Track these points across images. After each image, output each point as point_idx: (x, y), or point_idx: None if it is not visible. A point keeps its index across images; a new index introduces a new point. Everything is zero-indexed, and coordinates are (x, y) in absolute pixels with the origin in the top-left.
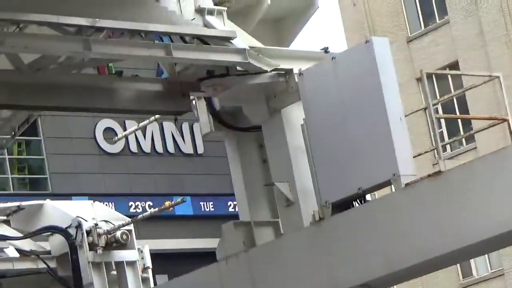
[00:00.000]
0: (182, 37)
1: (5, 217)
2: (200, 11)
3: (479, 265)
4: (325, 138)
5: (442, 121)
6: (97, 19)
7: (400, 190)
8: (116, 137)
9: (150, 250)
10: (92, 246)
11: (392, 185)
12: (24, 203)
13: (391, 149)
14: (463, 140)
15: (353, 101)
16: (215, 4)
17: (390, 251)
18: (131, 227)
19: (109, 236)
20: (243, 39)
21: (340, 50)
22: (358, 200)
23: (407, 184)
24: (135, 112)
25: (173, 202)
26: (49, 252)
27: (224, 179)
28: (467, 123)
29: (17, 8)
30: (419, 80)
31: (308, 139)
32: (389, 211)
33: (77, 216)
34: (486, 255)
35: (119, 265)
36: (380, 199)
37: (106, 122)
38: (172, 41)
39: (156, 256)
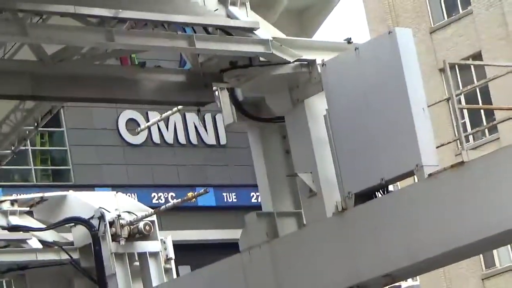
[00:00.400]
0: (205, 28)
1: (28, 208)
2: (223, 1)
3: (502, 256)
4: (348, 128)
5: (465, 111)
6: (120, 10)
7: (423, 181)
8: (138, 128)
9: (172, 241)
10: (115, 237)
11: (415, 176)
12: (47, 194)
13: (414, 139)
14: (486, 130)
15: (376, 92)
16: None
17: (413, 241)
18: (154, 218)
19: (132, 227)
20: (266, 30)
21: (363, 41)
22: (381, 190)
23: (430, 175)
24: (158, 103)
25: (196, 193)
26: (72, 243)
27: (247, 170)
28: (490, 114)
29: None
30: (442, 70)
31: (331, 130)
32: (412, 202)
33: (100, 207)
34: (509, 246)
35: (142, 256)
36: (403, 190)
37: (128, 113)
38: (195, 32)
39: (179, 247)
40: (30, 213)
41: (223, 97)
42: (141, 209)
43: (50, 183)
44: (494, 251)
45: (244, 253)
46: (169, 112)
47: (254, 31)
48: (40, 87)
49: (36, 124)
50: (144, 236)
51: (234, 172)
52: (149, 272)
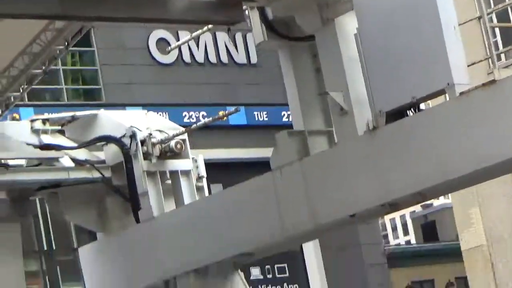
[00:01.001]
0: None
1: (60, 127)
2: None
3: None
4: (378, 47)
5: (497, 30)
6: None
7: (454, 99)
8: (169, 47)
9: (204, 159)
10: (146, 156)
11: (446, 94)
12: (78, 113)
13: (445, 58)
14: None
15: (406, 10)
16: None
17: (444, 160)
18: (185, 136)
19: (163, 145)
20: None
21: None
22: (412, 109)
23: (461, 93)
24: (188, 23)
25: (226, 112)
26: (103, 162)
27: (278, 89)
28: None
29: None
30: None
31: (362, 48)
32: (443, 120)
33: (131, 126)
34: None
35: (174, 174)
36: (434, 108)
37: (159, 33)
38: None
39: (210, 165)
40: (61, 132)
41: (253, 16)
42: (173, 128)
43: (81, 102)
44: None
45: (276, 172)
46: (199, 31)
47: None
48: (69, 6)
49: (66, 44)
50: (176, 154)
51: (265, 91)
52: (181, 190)
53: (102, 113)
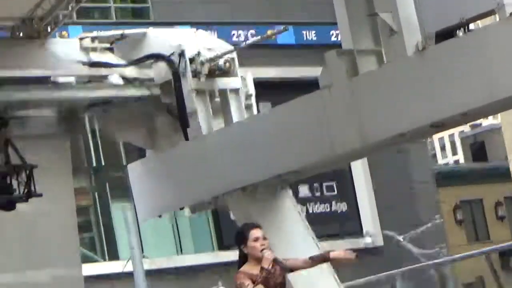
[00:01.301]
0: None
1: (108, 45)
2: None
3: None
4: None
5: None
6: None
7: (504, 20)
8: None
9: (253, 78)
10: (195, 74)
11: (496, 14)
12: (127, 31)
13: None
14: None
15: None
16: None
17: (493, 80)
18: (234, 55)
19: (212, 64)
20: None
21: None
22: (461, 29)
23: (511, 14)
24: None
25: (275, 31)
26: (152, 80)
27: (327, 8)
28: None
29: None
30: None
31: None
32: (493, 40)
33: (180, 44)
34: None
35: (223, 92)
36: (484, 28)
37: None
38: None
39: (259, 84)
40: (110, 50)
41: None
42: (221, 46)
43: (130, 21)
44: None
45: (324, 91)
46: None
47: None
48: None
49: None
50: (225, 72)
51: (314, 10)
52: (230, 109)
53: (151, 31)
